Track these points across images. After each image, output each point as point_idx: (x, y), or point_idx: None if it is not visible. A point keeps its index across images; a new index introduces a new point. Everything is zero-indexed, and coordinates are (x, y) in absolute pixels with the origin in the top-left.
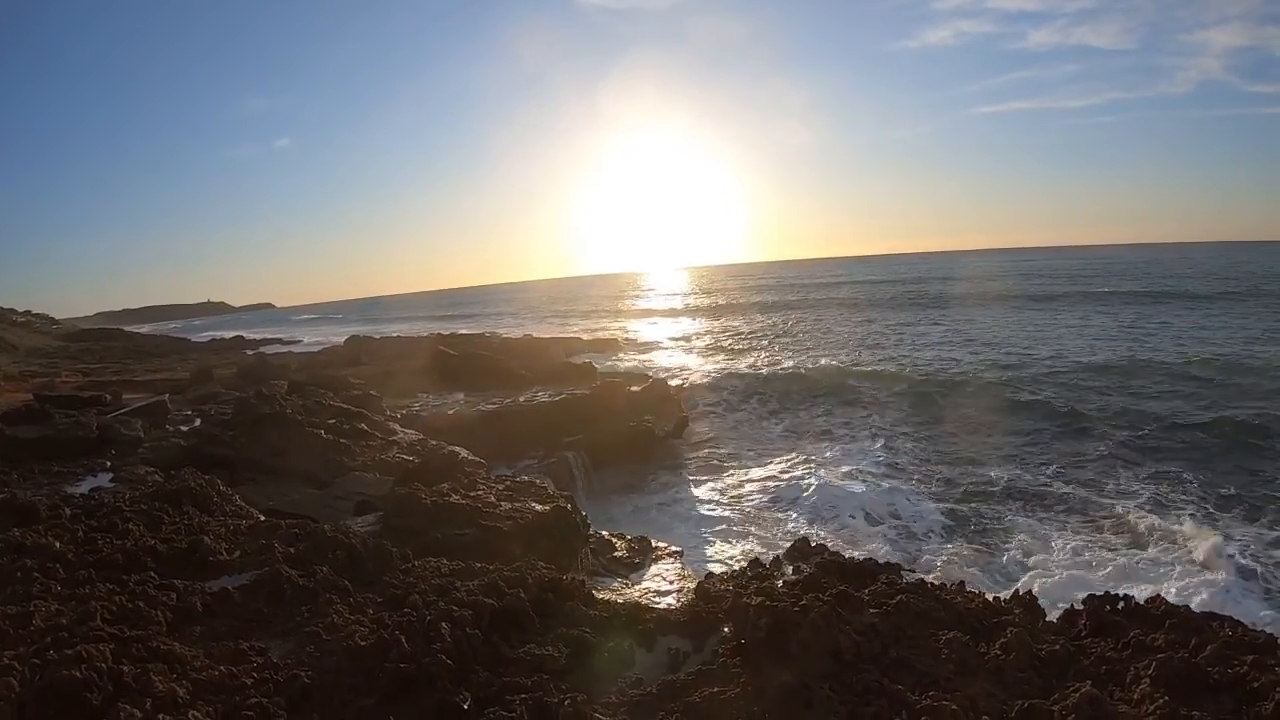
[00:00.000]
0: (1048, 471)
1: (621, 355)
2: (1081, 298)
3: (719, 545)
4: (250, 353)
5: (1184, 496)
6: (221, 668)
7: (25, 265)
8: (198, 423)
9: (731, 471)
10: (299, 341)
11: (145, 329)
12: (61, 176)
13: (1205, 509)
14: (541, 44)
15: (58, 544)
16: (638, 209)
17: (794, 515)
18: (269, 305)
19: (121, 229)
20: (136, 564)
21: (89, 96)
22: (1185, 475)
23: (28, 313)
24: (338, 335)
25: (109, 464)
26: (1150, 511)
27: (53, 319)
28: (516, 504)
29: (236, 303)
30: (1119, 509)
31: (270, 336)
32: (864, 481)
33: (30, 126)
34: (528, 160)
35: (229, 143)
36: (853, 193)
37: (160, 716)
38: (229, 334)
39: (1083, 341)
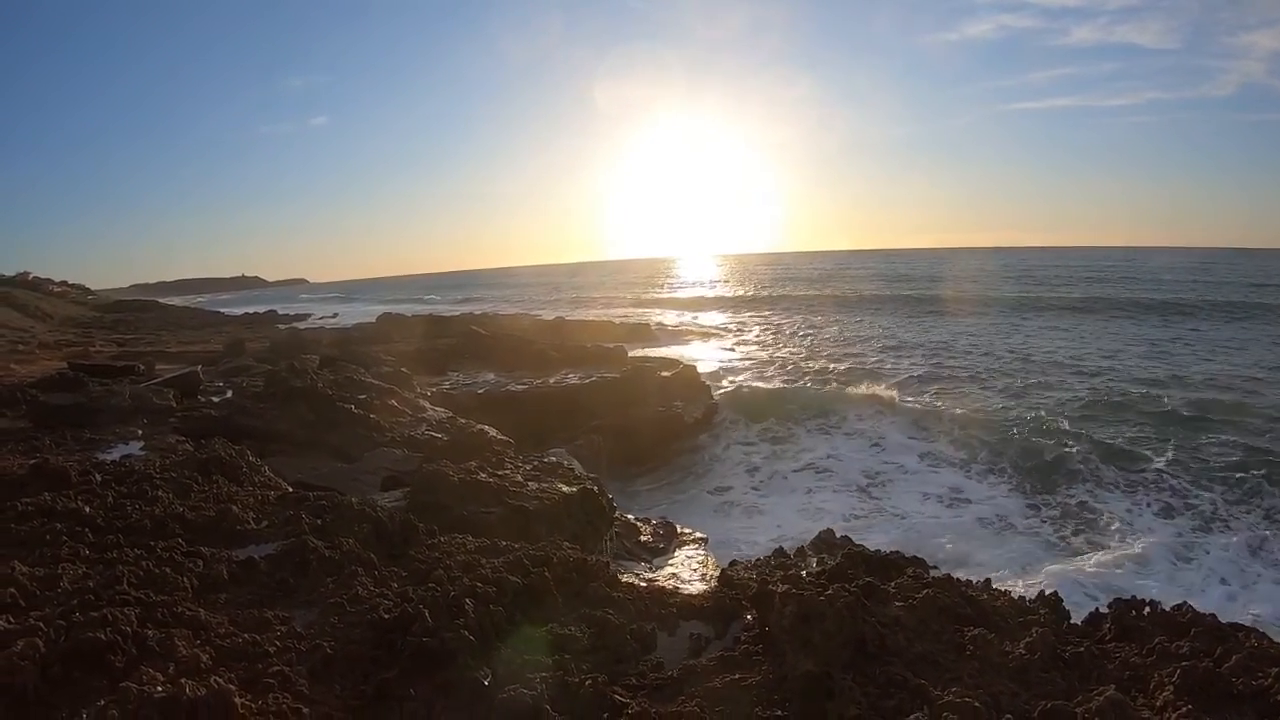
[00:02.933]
0: (1090, 479)
1: (652, 341)
2: (1115, 305)
3: (744, 533)
4: (283, 327)
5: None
6: (245, 635)
7: (63, 237)
8: (229, 394)
9: (759, 460)
10: (332, 316)
11: (178, 301)
12: (101, 152)
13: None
14: (575, 27)
15: (87, 509)
16: (671, 195)
17: (821, 506)
18: (302, 280)
19: (159, 203)
20: (164, 530)
21: (131, 73)
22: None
23: (64, 283)
24: (368, 313)
25: (140, 432)
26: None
27: (88, 290)
28: (543, 484)
29: (270, 277)
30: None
31: (303, 311)
32: (893, 475)
33: (71, 103)
34: (560, 143)
35: (267, 119)
36: (888, 185)
37: (182, 680)
38: (262, 309)
39: (1117, 353)
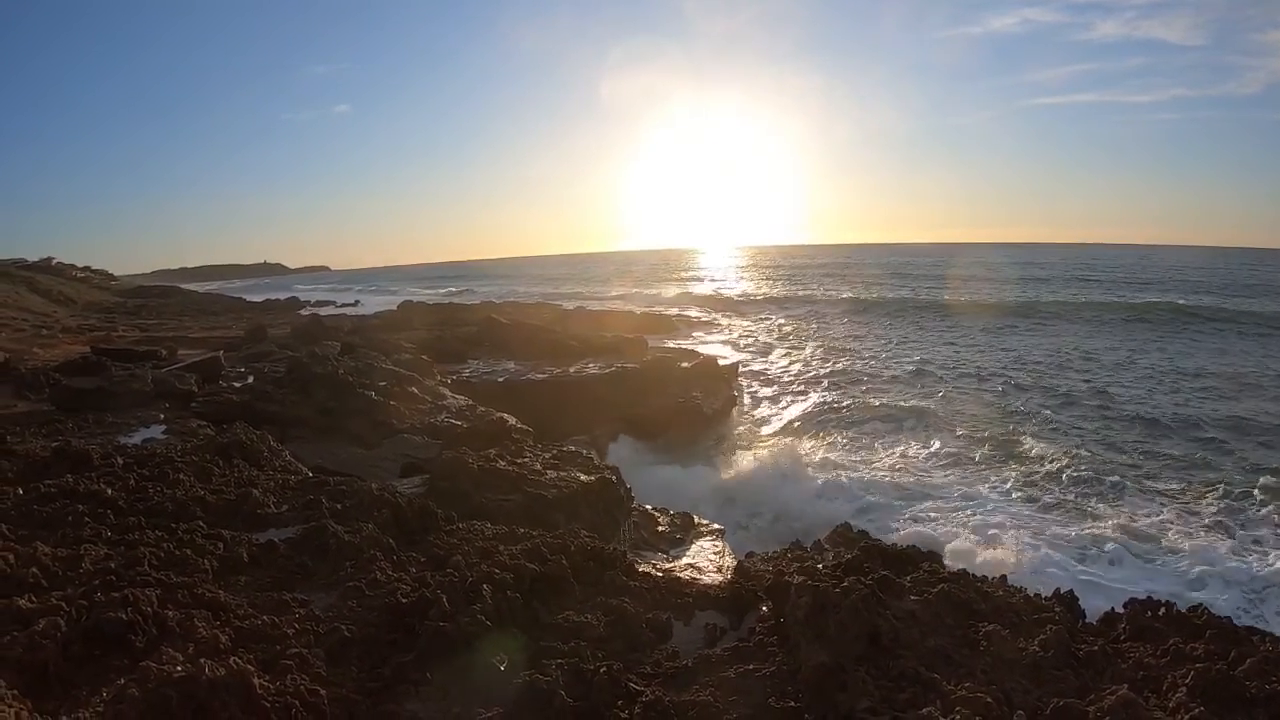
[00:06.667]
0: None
1: (673, 332)
2: (1143, 310)
3: (761, 526)
4: (304, 314)
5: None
6: (264, 617)
7: (87, 223)
8: (250, 380)
9: (777, 453)
10: (353, 304)
11: (196, 287)
12: (125, 137)
13: None
14: (592, 16)
15: (109, 491)
16: (695, 186)
17: (839, 502)
18: (325, 268)
19: (182, 189)
20: (185, 513)
21: (155, 57)
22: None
23: (87, 268)
24: (389, 301)
25: (162, 416)
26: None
27: (111, 275)
28: (562, 473)
29: (292, 265)
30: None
31: (325, 299)
32: (913, 474)
33: (96, 88)
34: (580, 132)
35: (291, 106)
36: (910, 179)
37: (202, 661)
38: (283, 295)
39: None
